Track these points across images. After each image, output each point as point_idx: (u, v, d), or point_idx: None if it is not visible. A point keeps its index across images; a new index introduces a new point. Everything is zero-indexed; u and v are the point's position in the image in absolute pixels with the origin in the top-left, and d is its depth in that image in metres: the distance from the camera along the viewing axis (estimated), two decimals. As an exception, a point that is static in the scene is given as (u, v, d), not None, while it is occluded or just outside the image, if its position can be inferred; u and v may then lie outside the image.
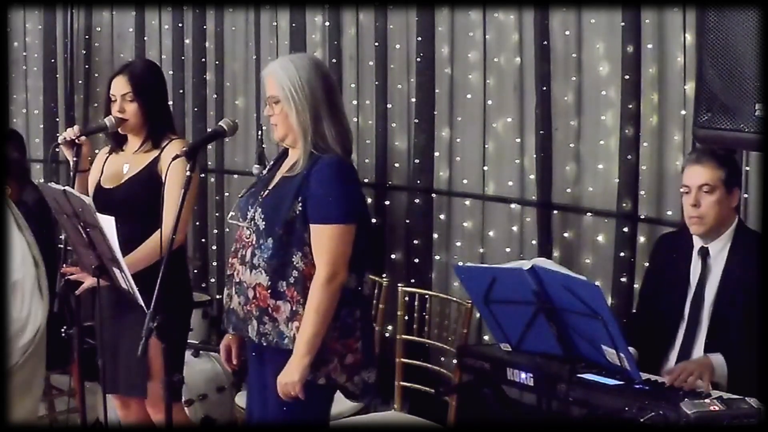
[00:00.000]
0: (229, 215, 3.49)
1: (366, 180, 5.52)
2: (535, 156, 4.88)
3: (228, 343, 3.52)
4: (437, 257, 5.40)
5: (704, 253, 3.61)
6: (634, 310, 3.94)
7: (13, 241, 2.09)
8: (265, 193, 3.33)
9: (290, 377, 3.18)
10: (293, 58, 3.40)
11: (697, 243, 3.63)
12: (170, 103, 4.48)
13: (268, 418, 3.34)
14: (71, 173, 3.92)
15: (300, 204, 3.22)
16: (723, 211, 3.55)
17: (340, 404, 3.46)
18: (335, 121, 3.28)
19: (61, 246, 3.92)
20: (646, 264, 4.27)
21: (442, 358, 4.88)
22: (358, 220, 3.27)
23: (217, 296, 6.12)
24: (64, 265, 3.86)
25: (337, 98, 3.34)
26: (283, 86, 3.26)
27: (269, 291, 3.23)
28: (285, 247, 3.22)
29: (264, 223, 3.26)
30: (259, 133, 5.41)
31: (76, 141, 3.92)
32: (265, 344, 3.28)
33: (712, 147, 3.59)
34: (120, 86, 3.98)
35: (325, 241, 3.20)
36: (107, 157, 4.10)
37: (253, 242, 3.28)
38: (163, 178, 3.77)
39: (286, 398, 3.21)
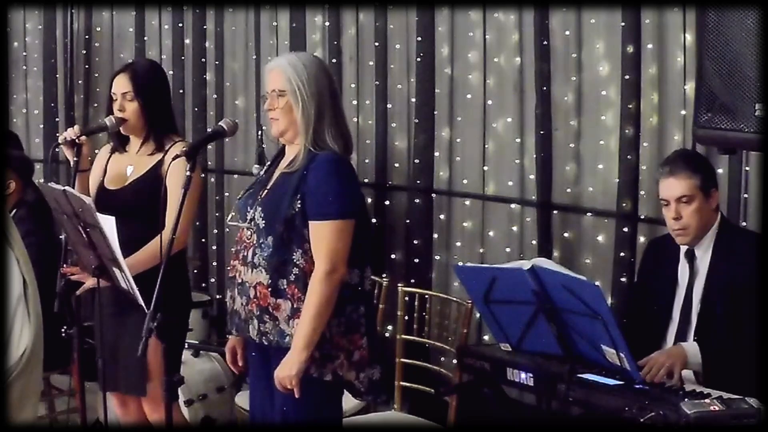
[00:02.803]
0: (229, 217, 3.49)
1: (366, 180, 5.51)
2: (535, 156, 4.88)
3: (233, 345, 3.52)
4: (437, 257, 5.40)
5: (690, 256, 3.63)
6: (624, 319, 3.94)
7: None
8: (264, 192, 3.34)
9: (287, 371, 3.18)
10: (299, 55, 3.46)
11: (683, 246, 3.65)
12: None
13: (275, 417, 3.34)
14: (71, 173, 3.92)
15: (299, 201, 3.23)
16: (704, 217, 3.58)
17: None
18: (336, 122, 3.30)
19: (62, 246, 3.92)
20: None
21: (442, 358, 4.88)
22: (357, 216, 3.28)
23: (217, 296, 6.12)
24: (65, 265, 3.85)
25: (339, 100, 3.37)
26: (291, 79, 3.27)
27: (269, 289, 3.24)
28: (285, 244, 3.23)
29: (264, 222, 3.26)
30: (259, 133, 5.41)
31: (77, 141, 3.92)
32: (266, 343, 3.29)
33: (683, 154, 3.65)
34: (121, 85, 3.97)
35: (323, 237, 3.20)
36: (109, 157, 4.09)
37: (254, 242, 3.28)
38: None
39: (283, 392, 3.21)
